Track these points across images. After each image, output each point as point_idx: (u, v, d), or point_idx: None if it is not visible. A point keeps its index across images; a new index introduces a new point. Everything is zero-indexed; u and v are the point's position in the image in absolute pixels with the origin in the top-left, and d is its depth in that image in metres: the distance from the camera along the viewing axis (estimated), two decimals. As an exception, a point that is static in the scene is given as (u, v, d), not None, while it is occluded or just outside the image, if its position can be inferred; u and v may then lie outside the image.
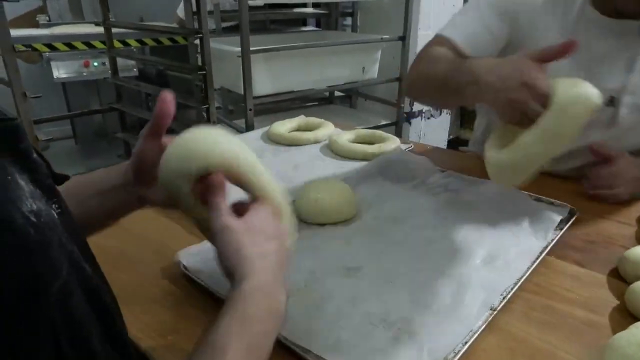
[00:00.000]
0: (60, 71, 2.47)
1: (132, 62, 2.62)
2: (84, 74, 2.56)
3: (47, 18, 2.78)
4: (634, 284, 0.63)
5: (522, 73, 0.67)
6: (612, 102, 0.90)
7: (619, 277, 0.69)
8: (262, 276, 0.43)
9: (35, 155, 0.36)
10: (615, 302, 0.64)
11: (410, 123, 2.07)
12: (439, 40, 0.96)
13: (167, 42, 2.87)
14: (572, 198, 0.92)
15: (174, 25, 2.84)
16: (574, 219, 0.84)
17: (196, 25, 1.35)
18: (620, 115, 0.91)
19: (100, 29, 2.68)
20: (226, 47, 1.52)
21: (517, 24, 0.93)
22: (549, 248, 0.75)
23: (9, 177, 0.31)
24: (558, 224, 0.82)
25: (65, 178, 0.51)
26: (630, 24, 0.85)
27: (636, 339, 0.49)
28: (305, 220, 0.83)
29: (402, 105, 1.88)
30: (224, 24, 2.03)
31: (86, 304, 0.35)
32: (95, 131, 2.99)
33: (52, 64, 2.43)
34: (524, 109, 0.66)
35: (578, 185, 0.98)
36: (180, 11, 3.13)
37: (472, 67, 0.75)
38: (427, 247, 0.77)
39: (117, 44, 2.33)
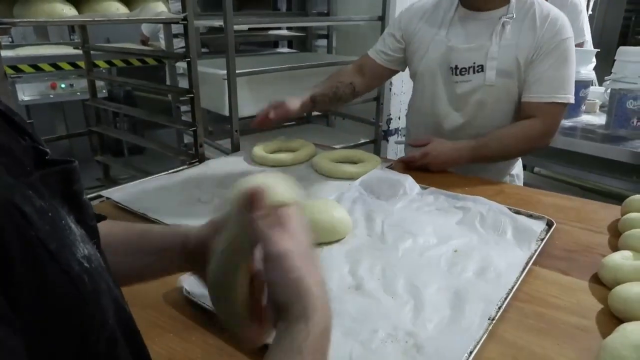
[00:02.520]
0: (25, 93, 2.40)
1: (102, 84, 2.59)
2: (51, 96, 2.50)
3: (10, 39, 2.71)
4: (615, 289, 0.68)
5: None
6: (482, 68, 1.20)
7: (599, 283, 0.74)
8: (326, 313, 0.40)
9: (85, 196, 0.36)
10: (599, 306, 0.69)
11: (387, 141, 2.14)
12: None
13: (137, 63, 2.85)
14: (547, 210, 0.99)
15: (155, 47, 2.84)
16: (552, 229, 0.90)
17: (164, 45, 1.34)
18: (487, 77, 1.19)
19: (68, 50, 2.64)
20: (210, 70, 1.54)
21: (405, 38, 1.32)
22: (533, 258, 0.80)
23: (63, 222, 0.31)
24: (538, 235, 0.88)
25: (103, 218, 0.50)
26: (486, 14, 1.19)
27: (629, 340, 0.53)
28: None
29: (381, 123, 1.94)
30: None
31: (126, 346, 0.35)
32: (61, 155, 2.91)
33: (17, 86, 2.36)
34: None
35: (554, 197, 1.05)
36: (145, 28, 3.11)
37: None
38: (422, 261, 0.80)
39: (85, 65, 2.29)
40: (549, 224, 0.92)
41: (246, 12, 2.72)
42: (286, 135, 1.46)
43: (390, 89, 2.17)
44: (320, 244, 0.85)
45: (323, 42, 2.35)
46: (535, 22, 1.16)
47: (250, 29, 2.11)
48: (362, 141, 1.86)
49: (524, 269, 0.77)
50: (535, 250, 0.82)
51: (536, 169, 2.56)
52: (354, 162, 1.25)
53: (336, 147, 1.53)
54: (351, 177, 1.14)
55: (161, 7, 1.35)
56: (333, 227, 0.86)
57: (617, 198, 1.76)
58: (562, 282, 0.76)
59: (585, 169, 2.02)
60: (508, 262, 0.79)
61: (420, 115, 1.35)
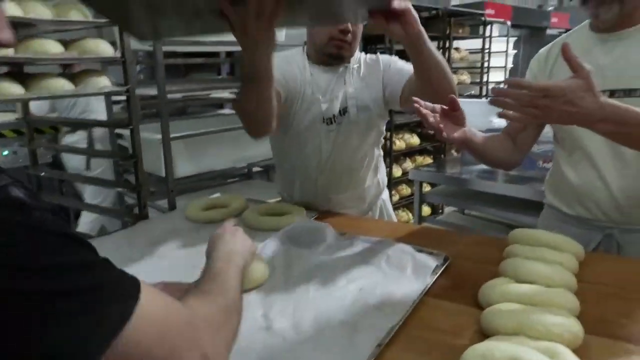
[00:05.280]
0: (-38, 164, 2.40)
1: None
2: (-9, 164, 2.50)
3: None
4: (485, 310, 0.79)
5: None
6: (345, 110, 1.37)
7: (479, 307, 0.86)
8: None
9: None
10: (475, 326, 0.80)
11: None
12: None
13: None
14: (448, 246, 1.12)
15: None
16: (447, 264, 1.02)
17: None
18: (351, 115, 1.36)
19: (11, 117, 2.67)
20: (147, 134, 1.64)
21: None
22: (426, 290, 0.91)
23: None
24: (434, 269, 1.00)
25: None
26: (335, 67, 1.38)
27: (477, 352, 0.64)
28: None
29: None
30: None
31: None
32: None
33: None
34: None
35: (448, 234, 1.18)
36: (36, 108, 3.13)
37: None
38: (330, 300, 0.90)
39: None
40: (446, 259, 1.04)
41: (191, 77, 2.88)
42: (225, 192, 1.55)
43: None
44: (239, 291, 0.93)
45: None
46: (371, 62, 1.41)
47: (187, 54, 2.24)
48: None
49: (415, 301, 0.87)
50: (429, 284, 0.94)
51: (466, 211, 2.76)
52: (282, 214, 1.35)
53: (270, 201, 1.63)
54: (276, 228, 1.24)
55: (104, 82, 1.46)
56: (250, 275, 0.94)
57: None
58: (448, 308, 0.87)
59: (503, 208, 2.21)
60: (405, 295, 0.90)
61: (294, 171, 1.48)
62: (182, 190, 1.60)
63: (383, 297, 0.89)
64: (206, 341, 0.51)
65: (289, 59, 1.41)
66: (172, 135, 1.50)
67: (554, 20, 5.48)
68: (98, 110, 2.70)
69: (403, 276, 0.98)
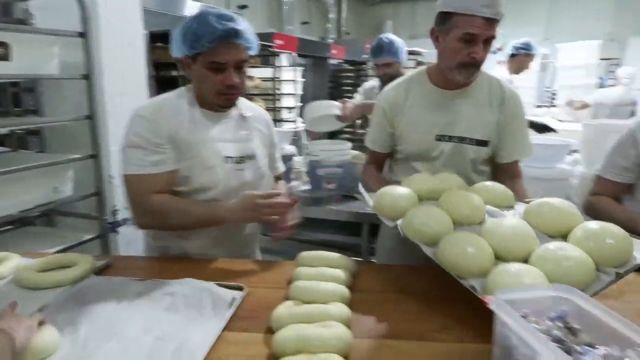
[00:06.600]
0: None
1: None
2: None
3: None
4: (274, 335, 0.87)
5: None
6: (252, 156, 1.41)
7: (272, 332, 0.93)
8: None
9: None
10: (269, 351, 0.87)
11: (117, 232, 2.10)
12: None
13: None
14: (244, 276, 1.18)
15: None
16: (244, 293, 1.08)
17: None
18: (261, 163, 1.43)
19: None
20: None
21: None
22: (224, 325, 0.95)
23: None
24: (232, 302, 1.04)
25: None
26: (225, 114, 1.41)
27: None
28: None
29: (105, 217, 1.92)
30: None
31: None
32: None
33: None
34: None
35: (243, 264, 1.26)
36: None
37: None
38: (124, 357, 0.86)
39: None
40: (241, 289, 1.10)
41: None
42: (1, 242, 1.32)
43: (111, 181, 2.15)
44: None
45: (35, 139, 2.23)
46: (256, 114, 1.49)
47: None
48: (87, 238, 1.81)
49: (212, 341, 0.90)
50: (227, 318, 0.98)
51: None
52: (67, 267, 1.22)
53: (51, 251, 1.46)
54: (60, 285, 1.12)
55: None
56: (36, 346, 0.84)
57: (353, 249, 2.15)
58: (241, 339, 0.92)
59: (317, 229, 2.40)
60: (204, 335, 0.92)
61: None
62: None
63: (181, 342, 0.89)
64: None
65: None
66: None
67: (333, 51, 6.21)
68: None
69: (202, 315, 1.00)
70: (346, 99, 2.54)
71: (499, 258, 0.97)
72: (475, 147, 1.47)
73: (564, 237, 1.02)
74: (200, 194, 1.34)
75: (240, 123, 1.42)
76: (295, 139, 4.15)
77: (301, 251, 1.23)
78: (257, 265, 1.29)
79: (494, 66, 3.73)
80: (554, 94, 6.82)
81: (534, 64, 3.54)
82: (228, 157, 1.35)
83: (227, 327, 0.96)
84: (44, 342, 0.86)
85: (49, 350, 0.86)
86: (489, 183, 1.29)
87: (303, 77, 5.38)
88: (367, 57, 2.69)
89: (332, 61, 6.40)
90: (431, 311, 1.02)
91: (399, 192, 1.20)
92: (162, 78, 3.42)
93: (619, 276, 0.89)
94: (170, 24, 3.15)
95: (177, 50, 1.31)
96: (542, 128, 2.95)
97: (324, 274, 1.07)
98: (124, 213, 2.13)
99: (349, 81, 6.15)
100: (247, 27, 1.28)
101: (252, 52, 1.32)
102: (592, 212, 1.47)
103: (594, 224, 0.98)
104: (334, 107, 2.37)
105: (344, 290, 1.02)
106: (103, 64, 2.12)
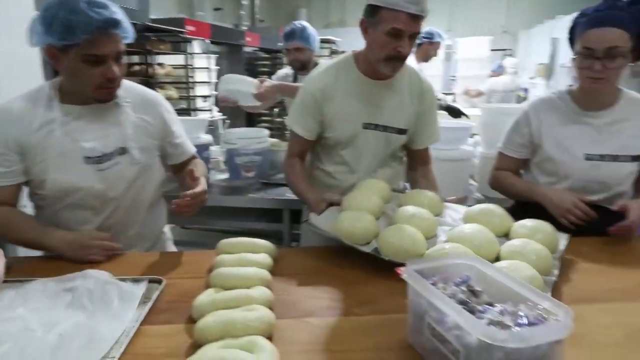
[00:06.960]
0: None
1: None
2: None
3: None
4: (196, 324, 0.85)
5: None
6: (123, 150, 1.32)
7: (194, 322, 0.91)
8: None
9: None
10: (191, 341, 0.86)
11: None
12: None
13: None
14: (159, 269, 1.14)
15: None
16: (162, 286, 1.04)
17: None
18: (136, 157, 1.34)
19: None
20: None
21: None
22: (141, 319, 0.92)
23: None
24: (148, 295, 1.00)
25: None
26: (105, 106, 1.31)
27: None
28: None
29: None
30: None
31: None
32: None
33: None
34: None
35: (160, 256, 1.23)
36: None
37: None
38: (23, 357, 0.80)
39: None
40: (158, 282, 1.06)
41: None
42: None
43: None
44: None
45: None
46: (142, 101, 1.39)
47: None
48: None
49: (130, 333, 0.87)
50: (142, 313, 0.94)
51: (187, 225, 2.83)
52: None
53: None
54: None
55: None
56: None
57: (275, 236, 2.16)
58: (164, 331, 0.90)
59: (237, 218, 2.37)
60: (113, 330, 0.87)
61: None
62: None
63: (89, 339, 0.84)
64: None
65: None
66: None
67: (248, 39, 6.11)
68: None
69: (110, 311, 0.94)
70: (264, 78, 2.51)
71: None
72: (396, 136, 1.56)
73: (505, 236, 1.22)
74: (65, 198, 1.29)
75: (108, 116, 1.31)
76: (212, 128, 4.05)
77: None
78: (175, 257, 1.26)
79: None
80: (452, 80, 7.55)
81: (441, 52, 3.80)
82: (87, 157, 1.27)
83: (146, 321, 0.92)
84: None
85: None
86: (415, 191, 1.47)
87: (217, 65, 5.26)
88: (282, 45, 2.67)
89: (247, 49, 6.30)
90: (350, 289, 1.07)
91: (366, 217, 1.22)
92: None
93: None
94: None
95: (37, 40, 1.18)
96: (457, 113, 3.23)
97: (245, 259, 1.07)
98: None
99: (264, 69, 6.10)
100: (123, 15, 1.22)
101: (128, 41, 1.25)
102: (497, 184, 1.63)
103: (528, 222, 1.21)
104: (251, 84, 2.32)
105: (265, 273, 1.03)
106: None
